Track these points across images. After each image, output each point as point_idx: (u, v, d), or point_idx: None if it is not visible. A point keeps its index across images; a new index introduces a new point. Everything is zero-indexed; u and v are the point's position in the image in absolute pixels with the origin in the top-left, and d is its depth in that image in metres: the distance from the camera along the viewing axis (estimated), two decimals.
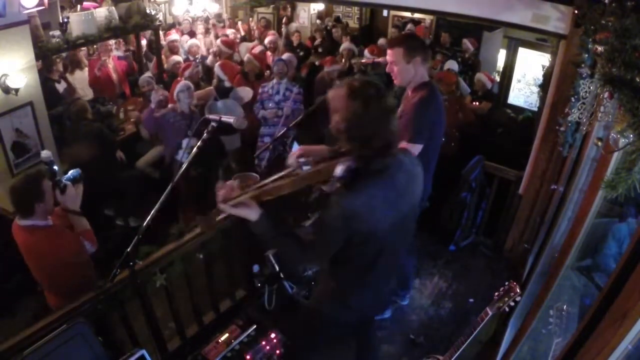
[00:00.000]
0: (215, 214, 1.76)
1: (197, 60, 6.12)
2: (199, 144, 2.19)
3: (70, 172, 2.65)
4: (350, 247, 1.73)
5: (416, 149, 2.50)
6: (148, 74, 5.36)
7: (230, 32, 7.38)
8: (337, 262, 1.90)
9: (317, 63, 6.40)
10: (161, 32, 6.56)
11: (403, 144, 2.47)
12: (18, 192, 2.45)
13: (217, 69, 4.97)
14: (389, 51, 2.58)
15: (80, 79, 5.67)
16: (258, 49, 6.46)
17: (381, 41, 6.65)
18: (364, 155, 1.63)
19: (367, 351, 2.56)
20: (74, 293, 2.37)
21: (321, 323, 2.15)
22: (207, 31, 7.52)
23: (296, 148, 2.91)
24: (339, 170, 1.63)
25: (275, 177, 1.75)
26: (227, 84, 4.94)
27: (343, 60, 6.03)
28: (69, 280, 2.57)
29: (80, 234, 2.64)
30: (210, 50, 6.74)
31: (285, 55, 5.54)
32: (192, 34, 7.32)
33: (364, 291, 1.96)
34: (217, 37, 7.05)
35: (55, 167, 2.60)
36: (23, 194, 2.44)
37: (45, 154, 2.75)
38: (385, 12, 9.42)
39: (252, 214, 1.68)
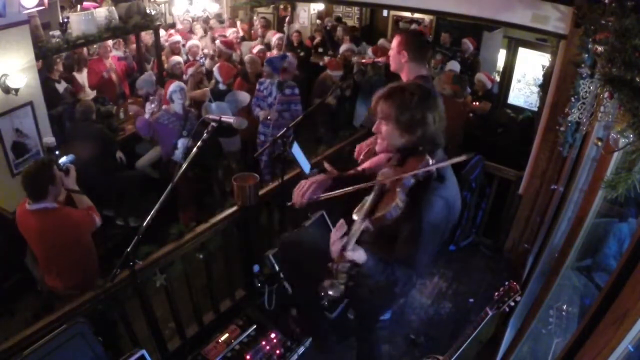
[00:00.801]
0: (337, 282, 1.67)
1: (201, 60, 6.12)
2: (199, 144, 2.19)
3: (66, 157, 2.85)
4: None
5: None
6: (145, 76, 5.35)
7: (231, 31, 7.37)
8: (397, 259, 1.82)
9: (321, 63, 6.38)
10: (162, 32, 6.57)
11: None
12: (32, 176, 2.63)
13: (215, 70, 4.96)
14: (394, 36, 2.78)
15: (82, 78, 5.68)
16: (257, 49, 6.46)
17: (381, 42, 6.64)
18: (431, 149, 1.67)
19: (368, 352, 2.55)
20: (84, 273, 2.65)
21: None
22: (205, 32, 7.53)
23: (296, 148, 2.92)
24: (430, 165, 1.61)
25: (372, 197, 1.71)
26: (221, 86, 4.91)
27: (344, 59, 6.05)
28: (79, 259, 2.82)
29: (87, 209, 2.83)
30: (205, 52, 6.72)
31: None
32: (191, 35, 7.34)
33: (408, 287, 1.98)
34: (213, 39, 7.00)
35: (57, 152, 2.87)
36: (37, 177, 2.63)
37: (48, 139, 3.05)
38: (385, 12, 9.42)
39: (362, 255, 1.63)
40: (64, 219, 2.75)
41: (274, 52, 6.41)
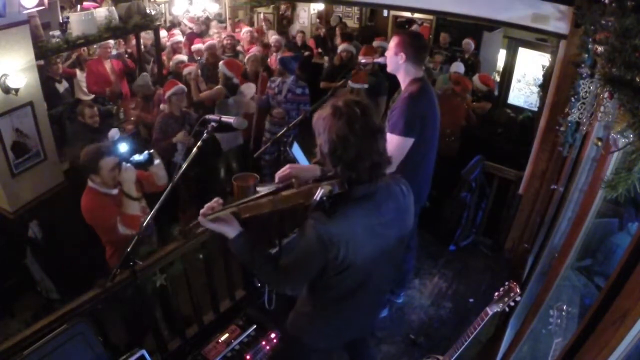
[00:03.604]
0: (194, 227, 1.73)
1: (202, 61, 6.12)
2: (198, 144, 2.19)
3: (138, 155, 2.73)
4: (328, 275, 1.63)
5: (408, 142, 2.53)
6: (139, 80, 5.35)
7: (245, 30, 7.40)
8: (313, 289, 1.80)
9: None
10: (162, 32, 6.57)
11: (394, 138, 2.50)
12: (80, 163, 2.74)
13: (222, 68, 4.97)
14: (392, 37, 2.74)
15: (83, 77, 5.68)
16: (256, 49, 6.47)
17: (376, 42, 6.64)
18: (349, 180, 1.51)
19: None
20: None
21: (302, 351, 2.02)
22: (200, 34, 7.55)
23: (296, 148, 2.91)
24: (318, 194, 1.50)
25: (260, 194, 1.66)
26: (235, 80, 4.97)
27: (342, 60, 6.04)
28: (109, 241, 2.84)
29: (119, 214, 2.72)
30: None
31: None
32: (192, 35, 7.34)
33: (339, 322, 1.86)
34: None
35: (120, 148, 2.71)
36: (83, 164, 2.73)
37: (111, 133, 3.07)
38: (385, 12, 9.43)
39: (230, 231, 1.63)
40: (91, 203, 2.75)
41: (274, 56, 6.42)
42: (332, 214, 1.51)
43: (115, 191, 2.77)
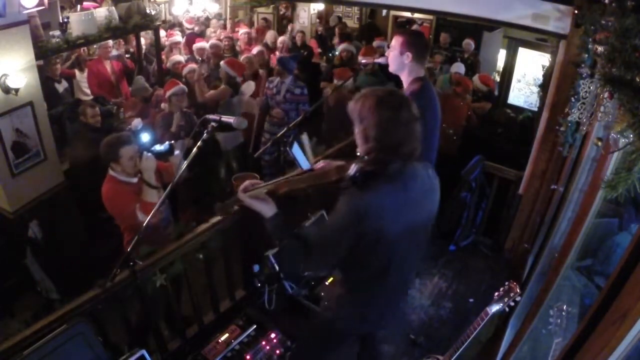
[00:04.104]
0: (232, 203, 1.84)
1: (203, 61, 6.12)
2: (199, 144, 2.19)
3: (158, 145, 2.78)
4: (360, 252, 1.70)
5: None
6: (135, 84, 5.35)
7: (242, 31, 7.40)
8: (346, 269, 1.89)
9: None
10: (162, 32, 6.57)
11: None
12: (101, 151, 2.80)
13: (225, 67, 4.97)
14: (394, 37, 2.70)
15: (83, 78, 5.68)
16: (257, 50, 6.47)
17: (376, 42, 6.64)
18: (385, 160, 1.62)
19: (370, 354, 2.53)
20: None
21: (330, 331, 2.11)
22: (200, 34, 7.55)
23: (296, 148, 2.91)
24: (352, 169, 1.62)
25: (297, 172, 1.79)
26: (238, 80, 5.00)
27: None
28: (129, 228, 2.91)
29: (138, 202, 2.76)
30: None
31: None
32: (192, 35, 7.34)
33: (375, 301, 1.92)
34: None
35: (142, 138, 2.78)
36: (103, 153, 2.80)
37: (135, 122, 3.24)
38: (384, 12, 9.42)
39: (267, 209, 1.74)
40: (111, 191, 2.81)
41: (276, 54, 6.43)
42: (365, 188, 1.61)
43: (134, 180, 2.85)
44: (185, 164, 2.30)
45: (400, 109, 1.59)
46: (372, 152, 1.62)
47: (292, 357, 2.59)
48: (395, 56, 2.61)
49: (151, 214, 2.25)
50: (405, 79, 2.67)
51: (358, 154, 1.71)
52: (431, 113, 2.65)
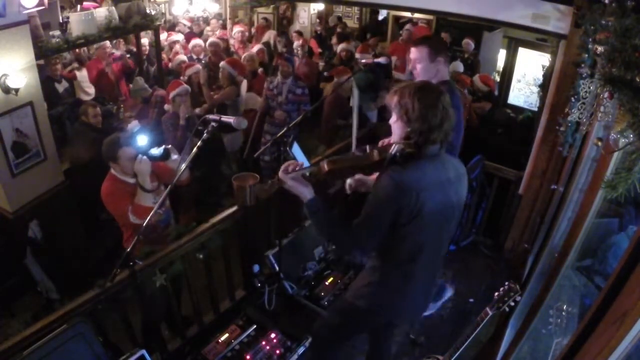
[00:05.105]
0: (273, 184, 1.87)
1: (204, 61, 6.12)
2: (199, 144, 2.19)
3: (154, 149, 2.72)
4: (396, 232, 1.77)
5: None
6: (134, 86, 5.35)
7: (237, 30, 7.40)
8: (381, 253, 1.94)
9: (325, 74, 6.36)
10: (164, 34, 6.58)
11: None
12: (102, 150, 2.83)
13: (228, 68, 4.95)
14: (413, 49, 2.61)
15: (83, 78, 5.69)
16: (257, 49, 6.47)
17: (371, 41, 6.64)
18: (425, 142, 1.72)
19: (380, 344, 2.55)
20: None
21: (354, 316, 2.16)
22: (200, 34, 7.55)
23: (296, 148, 2.92)
24: (394, 149, 1.73)
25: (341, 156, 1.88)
26: (239, 79, 5.00)
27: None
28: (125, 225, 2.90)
29: (131, 204, 2.76)
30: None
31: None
32: (191, 35, 7.34)
33: (406, 289, 1.95)
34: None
35: (139, 140, 2.70)
36: (104, 152, 2.81)
37: (131, 125, 3.17)
38: (384, 13, 9.42)
39: (306, 192, 1.81)
40: (108, 189, 2.82)
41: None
42: (405, 166, 1.73)
43: (133, 180, 2.84)
44: (185, 164, 2.30)
45: (439, 94, 1.73)
46: (413, 134, 1.72)
47: (313, 336, 2.60)
48: (428, 66, 2.53)
49: (149, 216, 2.23)
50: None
51: (394, 142, 1.79)
52: (459, 121, 2.60)
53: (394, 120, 1.80)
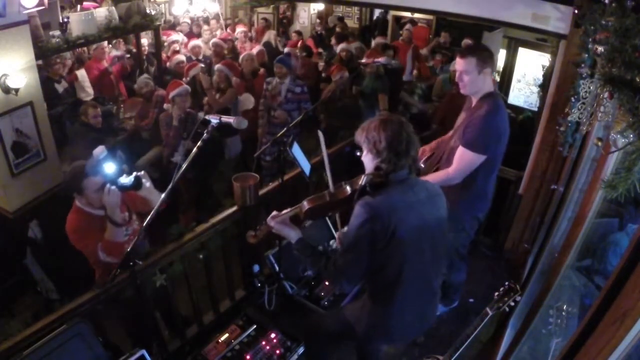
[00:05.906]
0: (262, 230, 2.07)
1: (202, 64, 6.12)
2: (199, 144, 2.19)
3: (125, 177, 2.33)
4: (375, 257, 1.84)
5: (479, 159, 2.52)
6: (143, 77, 5.35)
7: (239, 30, 7.41)
8: (367, 279, 2.00)
9: (323, 75, 6.35)
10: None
11: (468, 153, 2.52)
12: (64, 182, 2.70)
13: (225, 70, 4.94)
14: (460, 60, 2.53)
15: (83, 78, 5.69)
16: (257, 49, 6.47)
17: (378, 39, 6.63)
18: (393, 168, 1.82)
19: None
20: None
21: (350, 337, 2.23)
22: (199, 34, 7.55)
23: (296, 148, 2.92)
24: (363, 180, 1.86)
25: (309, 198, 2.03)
26: (235, 80, 5.00)
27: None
28: (95, 263, 2.63)
29: (101, 240, 2.47)
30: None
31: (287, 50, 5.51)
32: (191, 35, 7.35)
33: (392, 310, 1.99)
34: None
35: (106, 168, 2.30)
36: (67, 183, 2.65)
37: (97, 150, 2.73)
38: (377, 12, 9.42)
39: (293, 234, 2.00)
40: (75, 223, 2.53)
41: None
42: (375, 194, 1.83)
43: (101, 212, 2.49)
44: (185, 164, 2.29)
45: (401, 124, 1.84)
46: (383, 163, 1.83)
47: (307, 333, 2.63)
48: (475, 78, 2.48)
49: (135, 241, 2.17)
50: (479, 95, 2.56)
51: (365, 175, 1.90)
52: (504, 134, 2.59)
53: (364, 154, 1.91)
